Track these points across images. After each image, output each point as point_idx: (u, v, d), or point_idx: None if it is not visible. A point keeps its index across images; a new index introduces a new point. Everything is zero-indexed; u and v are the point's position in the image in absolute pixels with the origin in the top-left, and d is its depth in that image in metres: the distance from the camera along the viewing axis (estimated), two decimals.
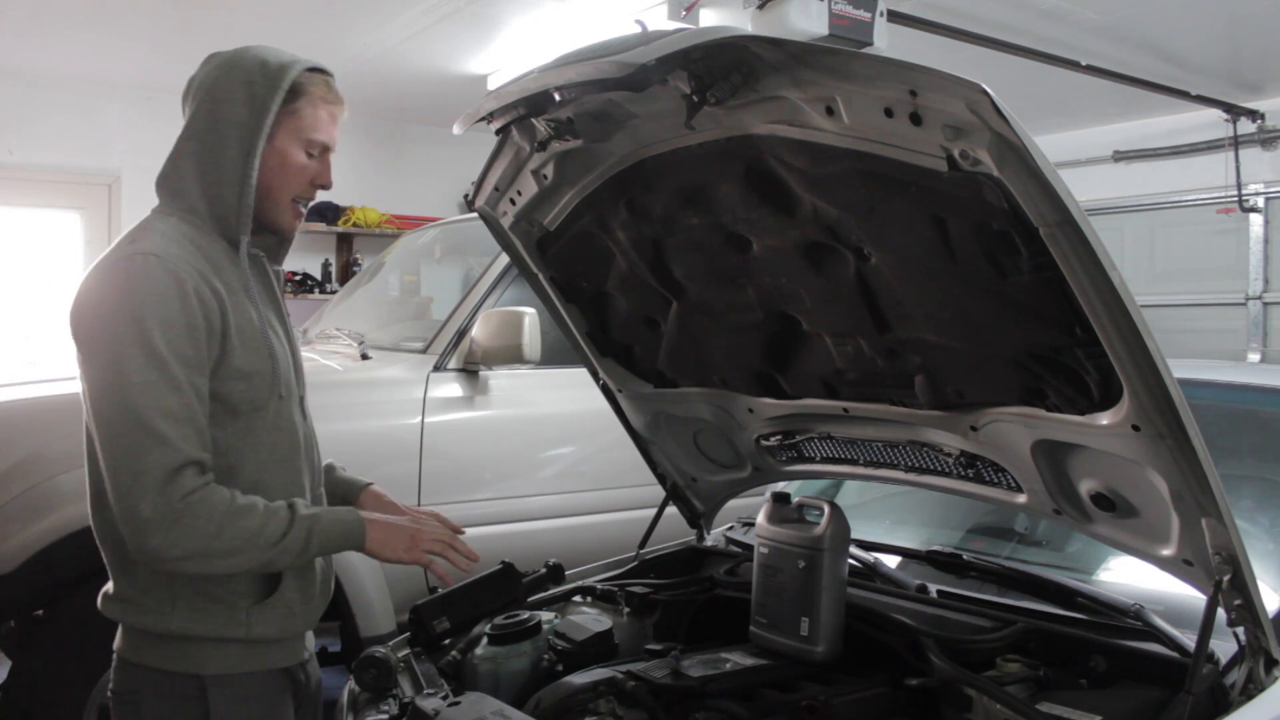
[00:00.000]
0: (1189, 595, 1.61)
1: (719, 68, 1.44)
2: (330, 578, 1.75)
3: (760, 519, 2.00)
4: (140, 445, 1.43)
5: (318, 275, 6.88)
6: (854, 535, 1.98)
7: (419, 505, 3.30)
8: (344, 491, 1.90)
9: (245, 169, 1.57)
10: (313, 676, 1.78)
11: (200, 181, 1.59)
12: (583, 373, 2.40)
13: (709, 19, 3.92)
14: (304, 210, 1.70)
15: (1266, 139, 6.00)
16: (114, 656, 1.62)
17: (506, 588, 2.12)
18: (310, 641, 1.81)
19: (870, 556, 2.18)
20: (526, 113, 1.69)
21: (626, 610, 2.19)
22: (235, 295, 1.58)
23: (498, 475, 3.53)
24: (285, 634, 1.65)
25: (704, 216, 1.79)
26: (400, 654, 1.93)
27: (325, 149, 1.66)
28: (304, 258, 6.82)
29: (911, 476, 1.99)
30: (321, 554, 1.59)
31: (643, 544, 2.47)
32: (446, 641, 2.00)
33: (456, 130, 1.81)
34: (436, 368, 3.47)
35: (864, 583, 2.07)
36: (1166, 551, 1.60)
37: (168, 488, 1.42)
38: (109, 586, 1.62)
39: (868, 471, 2.09)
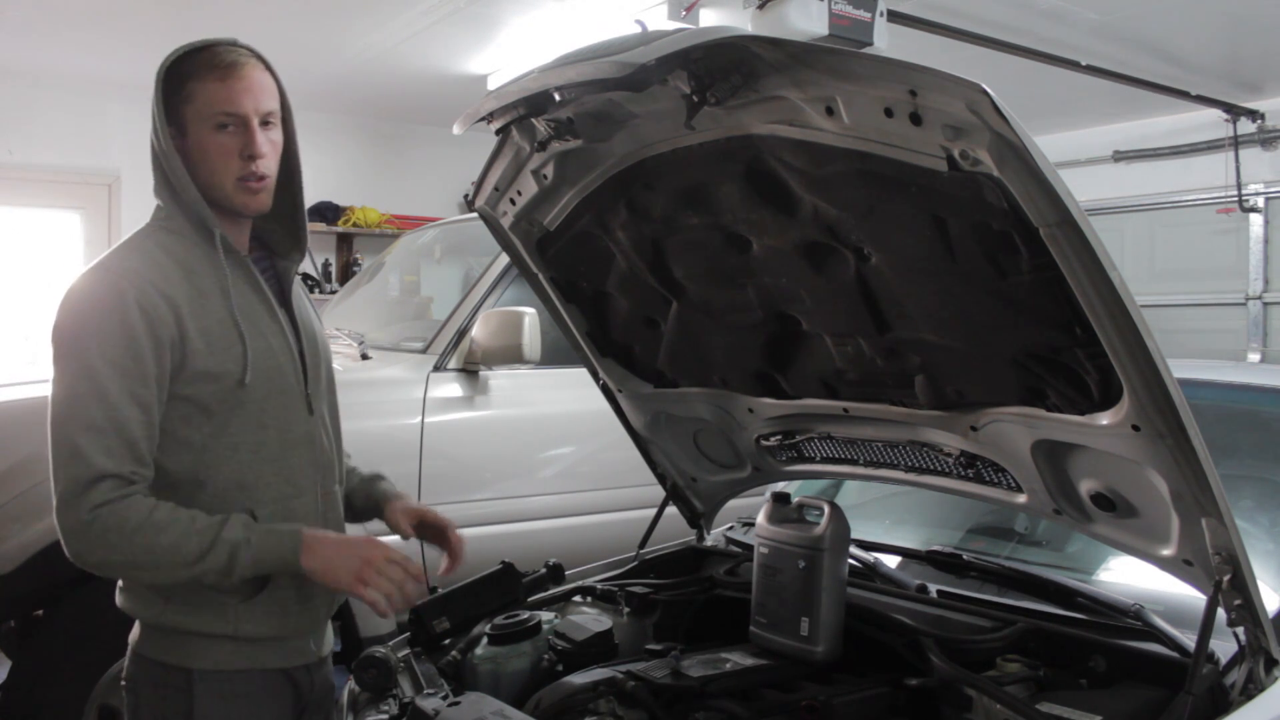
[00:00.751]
0: (1189, 595, 1.61)
1: (719, 68, 1.44)
2: None
3: (760, 519, 2.00)
4: (58, 456, 1.48)
5: (318, 275, 6.89)
6: (854, 535, 1.98)
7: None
8: (375, 502, 1.92)
9: (169, 153, 1.60)
10: (319, 682, 1.76)
11: (165, 191, 1.64)
12: (583, 373, 2.40)
13: (709, 19, 3.92)
14: (255, 185, 1.63)
15: (1266, 139, 6.00)
16: (128, 650, 1.65)
17: (506, 588, 2.12)
18: (326, 646, 1.80)
19: (870, 556, 2.18)
20: (526, 113, 1.69)
21: (626, 610, 2.19)
22: (206, 298, 1.59)
23: (498, 475, 3.53)
24: (279, 634, 1.65)
25: (704, 216, 1.79)
26: (400, 654, 1.93)
27: (240, 119, 1.60)
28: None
29: (911, 476, 1.99)
30: (256, 574, 1.55)
31: (643, 544, 2.47)
32: (446, 641, 2.00)
33: (456, 130, 1.81)
34: (436, 368, 3.47)
35: (864, 583, 2.07)
36: (1166, 551, 1.60)
37: (78, 500, 1.45)
38: (122, 580, 1.65)
39: (868, 471, 2.09)
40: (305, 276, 6.80)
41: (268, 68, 1.66)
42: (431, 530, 1.92)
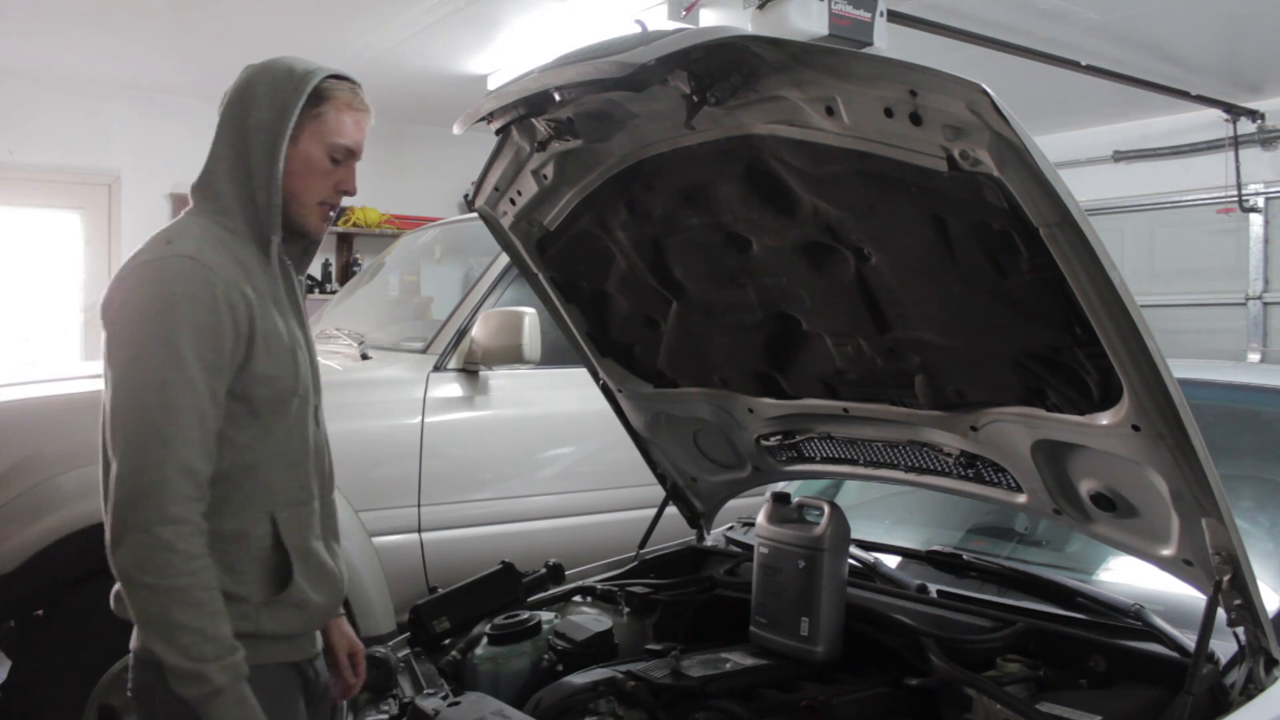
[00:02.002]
0: (1189, 595, 1.61)
1: (719, 68, 1.44)
2: (344, 575, 1.75)
3: (760, 519, 2.00)
4: (139, 441, 1.46)
5: (318, 275, 6.89)
6: (854, 535, 1.98)
7: (419, 505, 3.33)
8: None
9: (271, 171, 1.60)
10: (321, 673, 1.77)
11: (232, 185, 1.62)
12: (583, 373, 2.40)
13: (709, 19, 3.92)
14: (331, 215, 1.72)
15: (1266, 139, 6.00)
16: (130, 655, 1.61)
17: (506, 588, 2.12)
18: (319, 638, 1.81)
19: (870, 556, 2.18)
20: (526, 113, 1.70)
21: (626, 610, 2.19)
22: (264, 301, 1.60)
23: (498, 475, 3.53)
24: (299, 629, 1.66)
25: (704, 216, 1.79)
26: (400, 654, 1.93)
27: (350, 154, 1.68)
28: None
29: (911, 476, 1.99)
30: (200, 710, 1.46)
31: (643, 544, 2.47)
32: (446, 642, 2.00)
33: (456, 130, 1.81)
34: (436, 368, 3.47)
35: (864, 583, 2.07)
36: (1166, 551, 1.60)
37: (150, 499, 1.43)
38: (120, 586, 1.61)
39: (868, 471, 2.09)
40: (306, 276, 6.81)
41: None
42: (348, 666, 1.85)
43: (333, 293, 6.48)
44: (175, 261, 1.52)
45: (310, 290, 6.70)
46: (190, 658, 1.43)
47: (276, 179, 1.61)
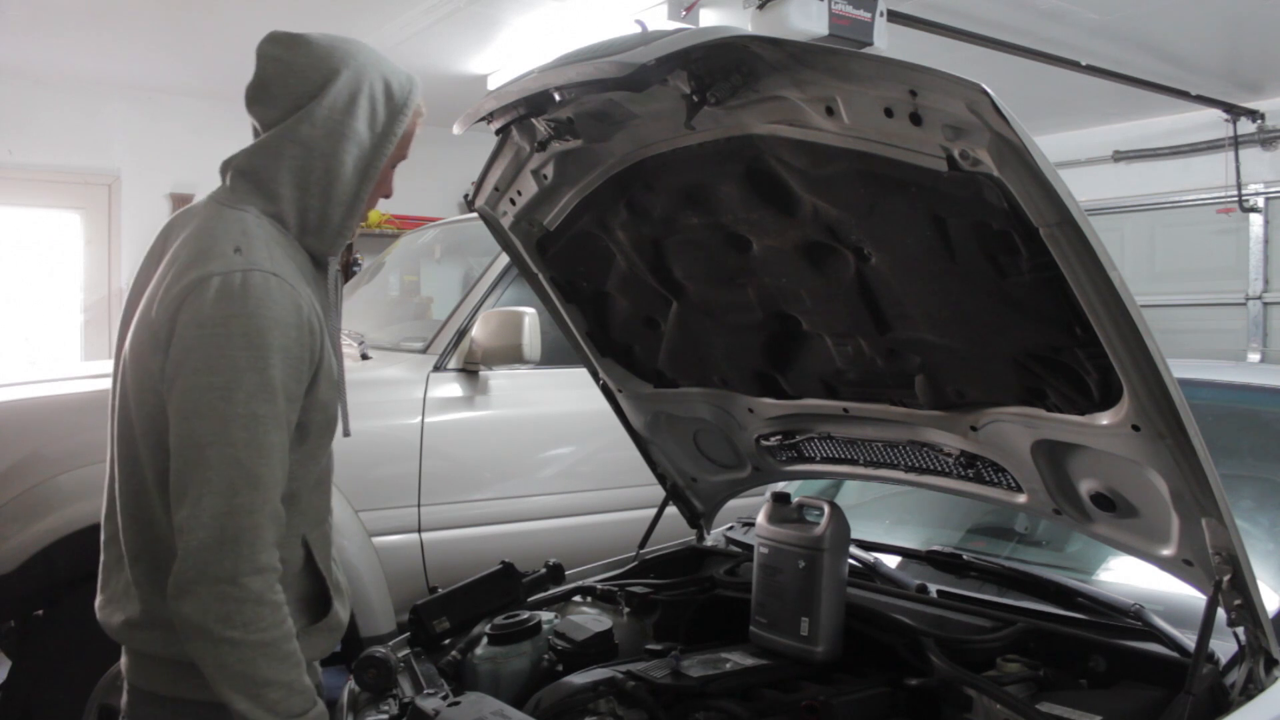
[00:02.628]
0: (1189, 595, 1.61)
1: (719, 68, 1.44)
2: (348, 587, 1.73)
3: (760, 519, 2.00)
4: (225, 476, 1.32)
5: None
6: (854, 535, 1.98)
7: (419, 505, 3.33)
8: None
9: (359, 190, 1.49)
10: (316, 673, 1.75)
11: (299, 191, 1.47)
12: (583, 373, 2.40)
13: (709, 19, 3.92)
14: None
15: (1266, 139, 6.00)
16: (125, 685, 1.53)
17: (506, 588, 2.12)
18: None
19: (870, 556, 2.18)
20: (526, 113, 1.69)
21: (626, 610, 2.19)
22: (318, 313, 1.49)
23: (498, 475, 3.53)
24: (325, 652, 1.61)
25: (704, 216, 1.79)
26: (400, 654, 1.93)
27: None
28: None
29: (911, 476, 1.99)
30: None
31: (643, 544, 2.47)
32: (446, 641, 2.00)
33: (456, 130, 1.81)
34: (436, 368, 3.47)
35: (864, 583, 2.07)
36: (1166, 551, 1.60)
37: (259, 547, 1.33)
38: (133, 613, 1.48)
39: (868, 471, 2.09)
40: None
41: None
42: None
43: None
44: (259, 278, 1.37)
45: None
46: (279, 714, 1.34)
47: (363, 200, 1.50)
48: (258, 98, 1.49)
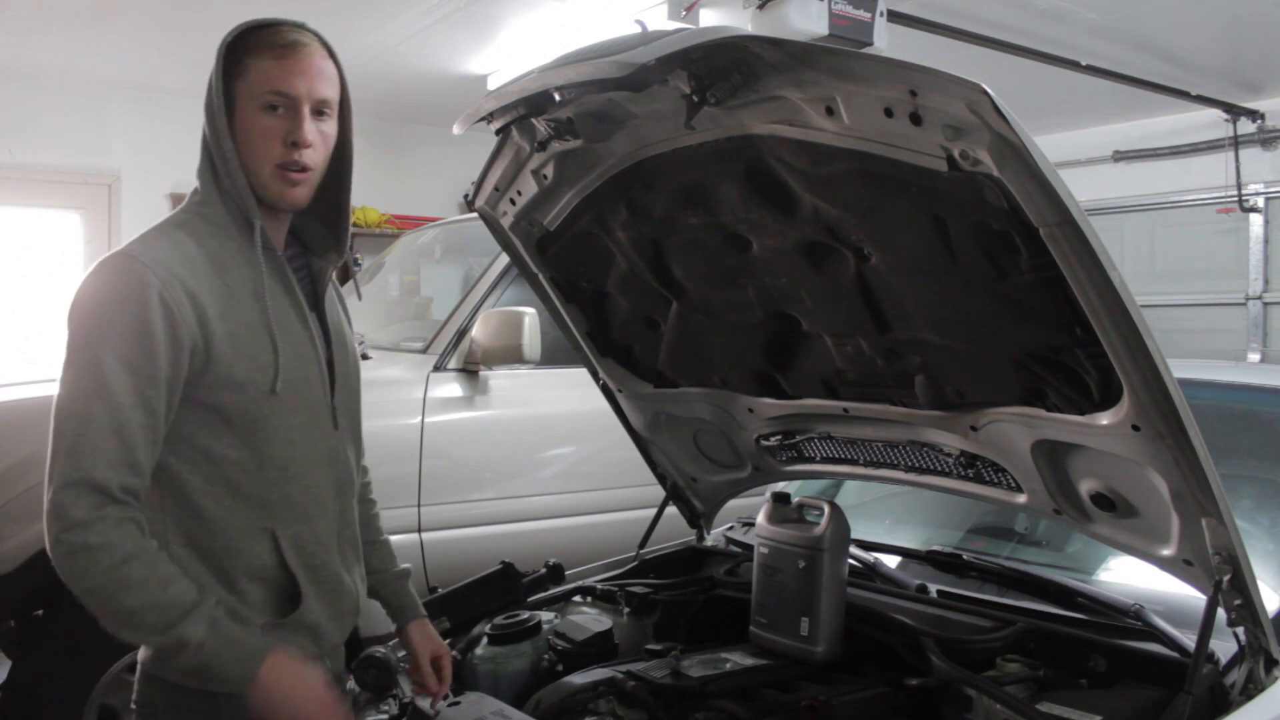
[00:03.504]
0: (1189, 595, 1.61)
1: (719, 68, 1.44)
2: (361, 591, 1.67)
3: (760, 519, 2.00)
4: (54, 451, 1.38)
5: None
6: (854, 535, 1.98)
7: (419, 505, 3.33)
8: (395, 608, 1.80)
9: (223, 150, 1.49)
10: (335, 668, 1.67)
11: (210, 174, 1.52)
12: (583, 373, 2.40)
13: (709, 19, 3.92)
14: (295, 176, 1.52)
15: (1266, 139, 5.99)
16: (138, 668, 1.54)
17: (506, 588, 2.12)
18: (340, 656, 1.71)
19: (870, 556, 2.18)
20: (526, 113, 1.69)
21: (626, 610, 2.19)
22: (237, 299, 1.48)
23: (498, 475, 3.53)
24: (310, 654, 1.55)
25: (704, 216, 1.79)
26: (400, 654, 1.93)
27: (291, 101, 1.49)
28: None
29: (911, 476, 1.99)
30: (197, 676, 1.42)
31: (643, 544, 2.47)
32: (446, 641, 2.00)
33: (456, 130, 1.81)
34: (436, 368, 3.48)
35: (864, 583, 2.07)
36: (1166, 551, 1.60)
37: (63, 507, 1.36)
38: None
39: (868, 471, 2.09)
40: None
41: (331, 55, 1.56)
42: (431, 672, 1.78)
43: None
44: (113, 263, 1.42)
45: None
46: (159, 631, 1.38)
47: (231, 157, 1.48)
48: None
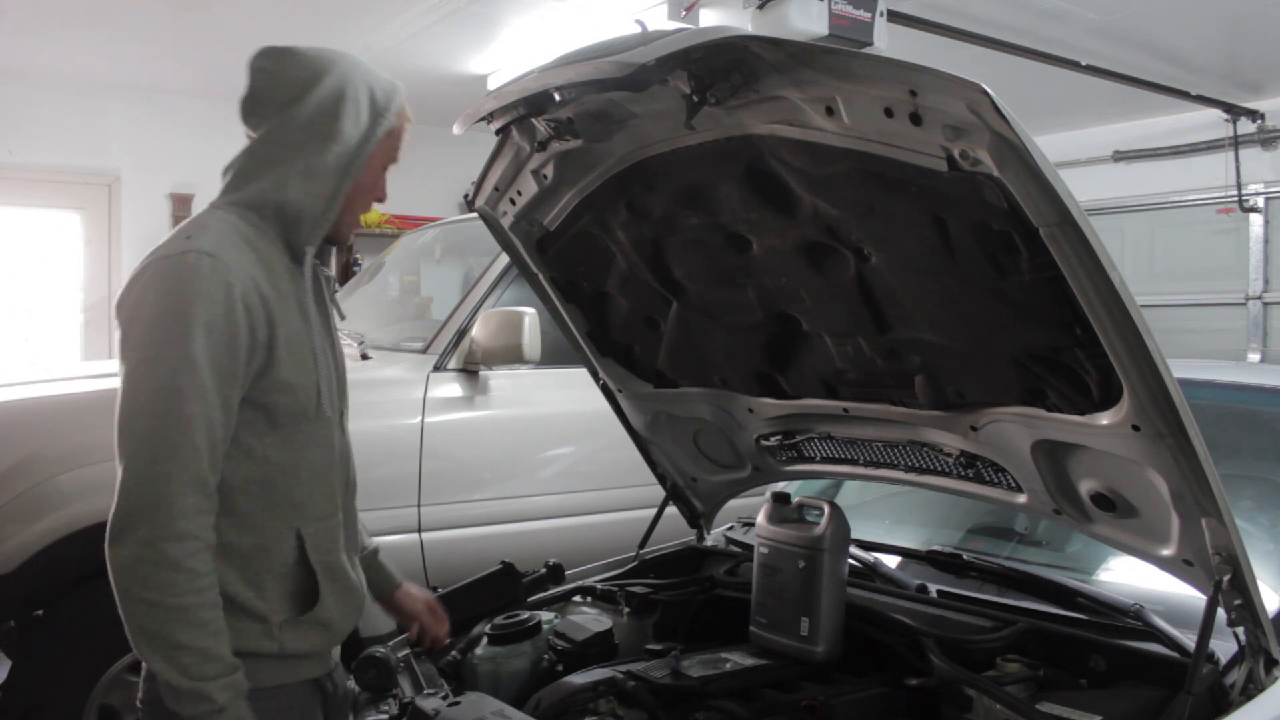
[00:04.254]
0: (1189, 595, 1.61)
1: (719, 68, 1.44)
2: (363, 585, 1.71)
3: (760, 519, 2.00)
4: (144, 448, 1.38)
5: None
6: (854, 535, 1.98)
7: (419, 505, 3.33)
8: (379, 583, 1.89)
9: (339, 185, 1.55)
10: (339, 685, 1.73)
11: (278, 187, 1.54)
12: (583, 373, 2.40)
13: (709, 19, 3.92)
14: (360, 222, 1.71)
15: (1266, 139, 5.99)
16: (143, 667, 1.54)
17: (506, 587, 2.12)
18: (335, 649, 1.75)
19: (870, 556, 2.18)
20: (526, 113, 1.69)
21: (626, 610, 2.19)
22: (286, 303, 1.53)
23: (498, 475, 3.53)
24: (321, 649, 1.61)
25: (704, 216, 1.79)
26: (400, 654, 1.93)
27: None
28: None
29: (911, 476, 1.99)
30: None
31: (643, 544, 2.47)
32: (447, 640, 2.00)
33: (456, 130, 1.81)
34: (436, 368, 3.47)
35: (864, 583, 2.07)
36: (1166, 551, 1.60)
37: (176, 507, 1.37)
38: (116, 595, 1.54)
39: (868, 471, 2.09)
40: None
41: None
42: (432, 619, 1.93)
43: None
44: (192, 258, 1.43)
45: None
46: (191, 677, 1.37)
47: (341, 196, 1.55)
48: (249, 109, 1.57)
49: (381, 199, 1.66)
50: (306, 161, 1.53)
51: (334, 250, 1.72)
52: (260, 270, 1.50)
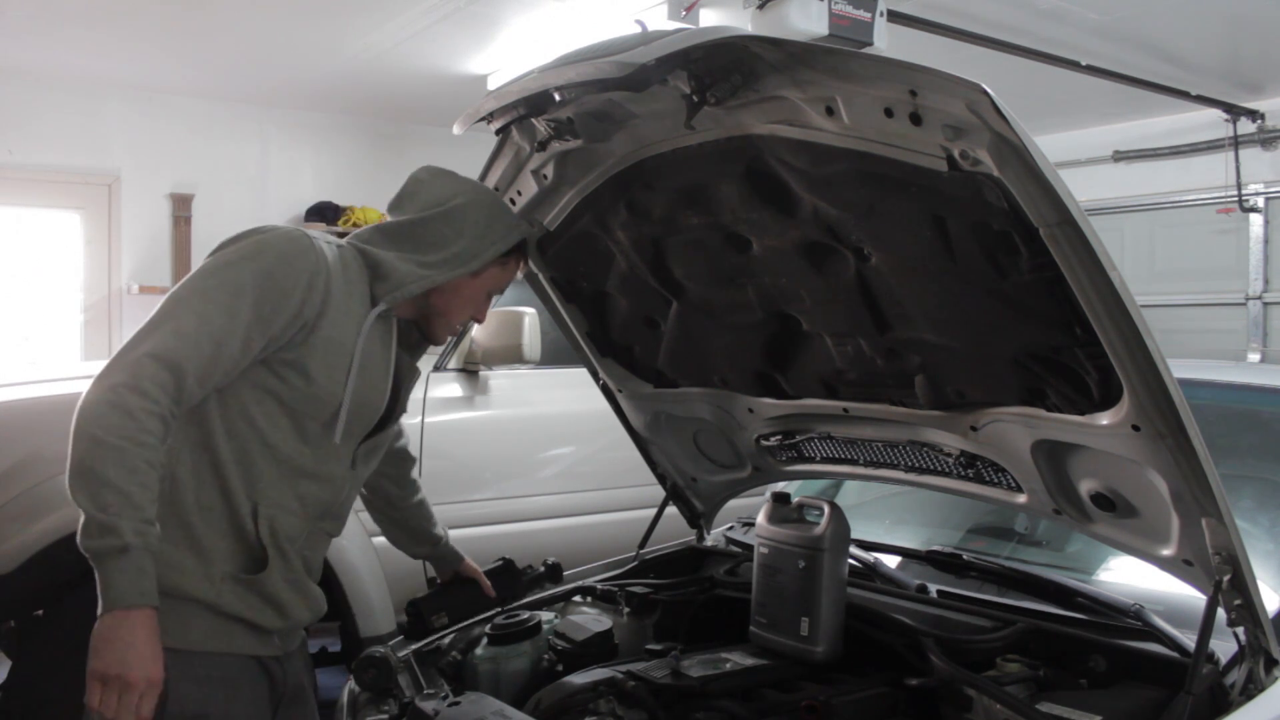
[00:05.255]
0: (1189, 595, 1.61)
1: (719, 68, 1.44)
2: (322, 600, 1.75)
3: (760, 519, 2.00)
4: (162, 327, 1.51)
5: None
6: (854, 535, 1.98)
7: None
8: (450, 557, 2.12)
9: (431, 276, 1.71)
10: (292, 676, 1.75)
11: (393, 248, 1.72)
12: (583, 373, 2.40)
13: (709, 19, 3.92)
14: (459, 330, 1.93)
15: (1266, 139, 5.99)
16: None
17: (505, 584, 2.12)
18: (295, 640, 1.78)
19: (870, 556, 2.18)
20: (526, 113, 1.70)
21: (626, 610, 2.19)
22: (347, 314, 1.65)
23: (498, 475, 3.53)
24: (263, 623, 1.64)
25: (704, 216, 1.79)
26: (400, 654, 1.93)
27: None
28: None
29: (911, 476, 1.99)
30: (96, 566, 1.45)
31: (643, 544, 2.47)
32: (445, 637, 2.00)
33: (456, 130, 1.81)
34: (436, 368, 3.47)
35: (864, 583, 2.07)
36: (1166, 551, 1.60)
37: (145, 373, 1.46)
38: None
39: (868, 471, 2.09)
40: None
41: None
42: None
43: None
44: (297, 234, 1.63)
45: None
46: (108, 513, 1.41)
47: (428, 282, 1.71)
48: (395, 204, 1.81)
49: (479, 319, 1.87)
50: (414, 248, 1.73)
51: (424, 344, 1.89)
52: (340, 279, 1.64)
